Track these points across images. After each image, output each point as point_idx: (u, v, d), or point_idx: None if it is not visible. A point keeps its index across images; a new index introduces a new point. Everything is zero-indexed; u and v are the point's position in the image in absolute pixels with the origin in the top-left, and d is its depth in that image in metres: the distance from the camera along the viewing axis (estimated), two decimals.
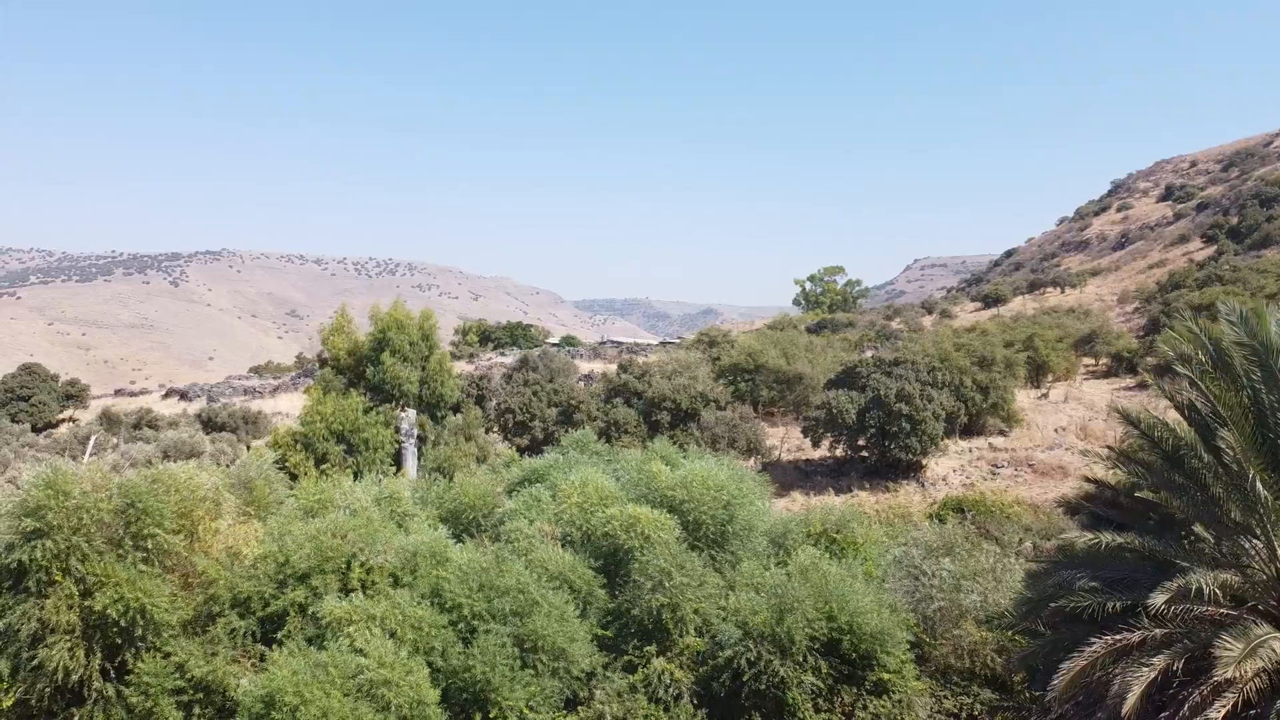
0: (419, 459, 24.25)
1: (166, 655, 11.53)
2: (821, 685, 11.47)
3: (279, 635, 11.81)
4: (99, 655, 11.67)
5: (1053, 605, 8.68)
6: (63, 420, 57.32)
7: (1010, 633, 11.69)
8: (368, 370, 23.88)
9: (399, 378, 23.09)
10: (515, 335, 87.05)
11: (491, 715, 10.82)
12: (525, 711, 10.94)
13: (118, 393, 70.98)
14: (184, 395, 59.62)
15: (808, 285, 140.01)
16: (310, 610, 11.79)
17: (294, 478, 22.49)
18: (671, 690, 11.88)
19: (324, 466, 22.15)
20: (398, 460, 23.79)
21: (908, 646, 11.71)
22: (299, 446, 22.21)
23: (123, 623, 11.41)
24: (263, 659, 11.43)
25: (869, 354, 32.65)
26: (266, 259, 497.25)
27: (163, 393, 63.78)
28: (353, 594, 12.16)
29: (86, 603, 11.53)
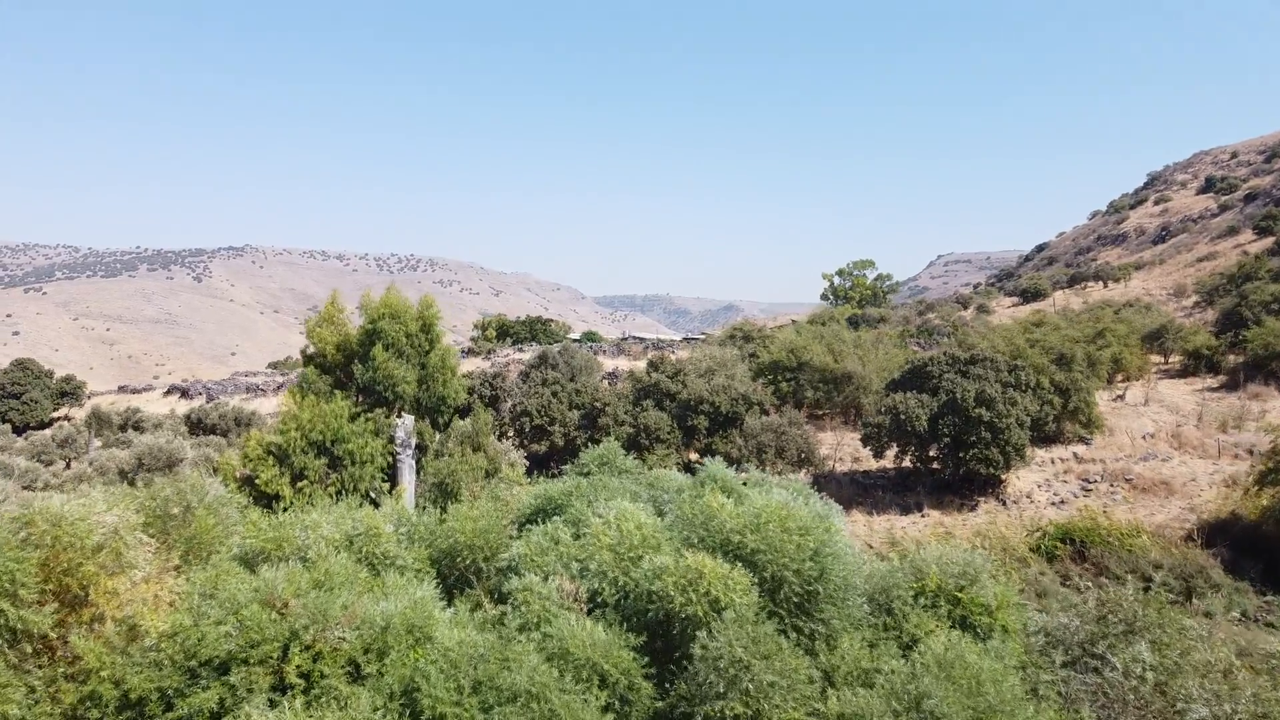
0: (417, 473, 20.55)
1: None
2: None
3: None
4: None
5: None
6: (57, 418, 54.39)
7: None
8: (356, 369, 20.20)
9: (392, 376, 19.39)
10: (535, 330, 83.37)
11: None
12: None
13: (121, 389, 68.19)
14: (185, 393, 56.47)
15: (836, 280, 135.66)
16: None
17: (267, 499, 18.88)
18: None
19: (301, 484, 18.49)
20: (392, 475, 20.10)
21: None
22: (271, 460, 18.55)
23: None
24: None
25: (936, 350, 28.57)
26: (289, 255, 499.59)
27: (165, 389, 60.75)
28: (291, 692, 8.48)
29: None
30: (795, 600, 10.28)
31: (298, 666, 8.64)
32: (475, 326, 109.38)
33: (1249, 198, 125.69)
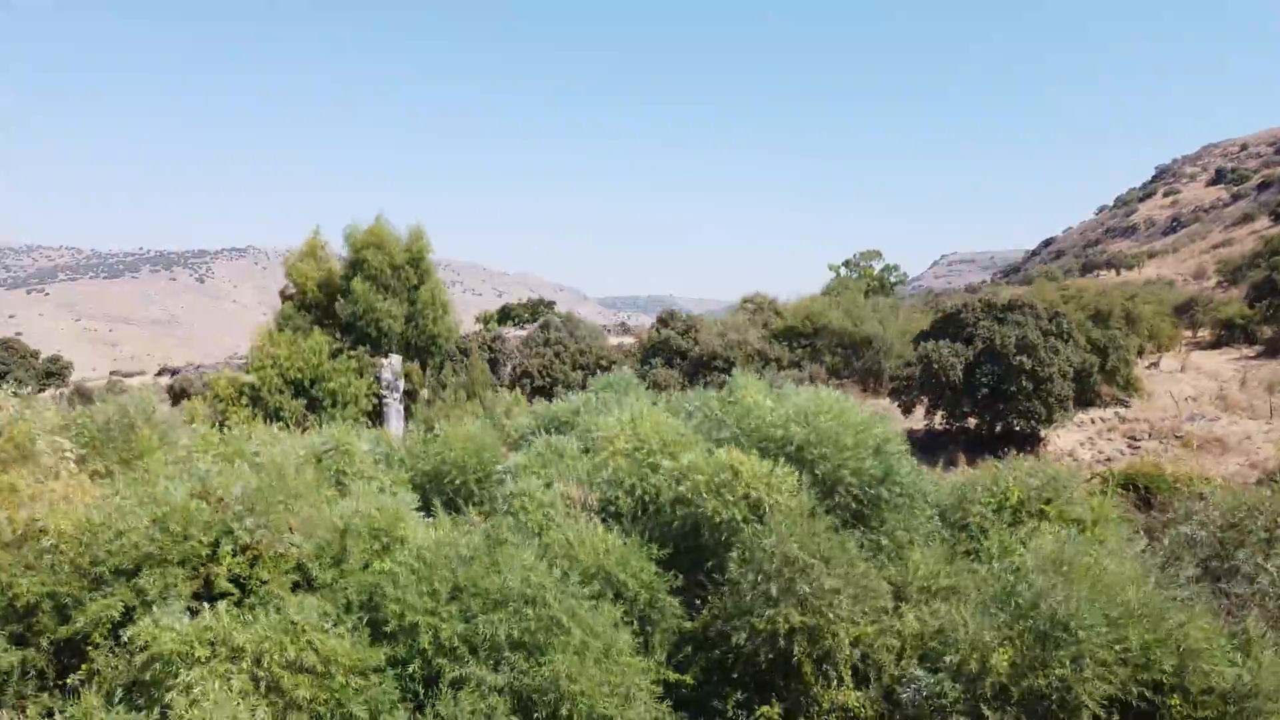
0: (406, 420, 18.69)
1: None
2: None
3: (75, 680, 6.30)
4: None
5: None
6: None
7: None
8: (338, 304, 18.37)
9: (374, 309, 17.54)
10: (538, 313, 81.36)
11: None
12: None
13: (113, 374, 66.55)
14: (175, 373, 54.88)
15: (843, 270, 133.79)
16: (127, 635, 6.23)
17: None
18: None
19: (277, 425, 16.60)
20: (378, 420, 18.25)
21: None
22: (244, 400, 16.71)
23: None
24: None
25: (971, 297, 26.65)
26: (293, 255, 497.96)
27: (155, 372, 59.14)
28: (224, 602, 6.62)
29: None
30: (854, 507, 8.42)
31: (229, 569, 6.78)
32: (478, 320, 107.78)
33: (1263, 186, 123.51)
